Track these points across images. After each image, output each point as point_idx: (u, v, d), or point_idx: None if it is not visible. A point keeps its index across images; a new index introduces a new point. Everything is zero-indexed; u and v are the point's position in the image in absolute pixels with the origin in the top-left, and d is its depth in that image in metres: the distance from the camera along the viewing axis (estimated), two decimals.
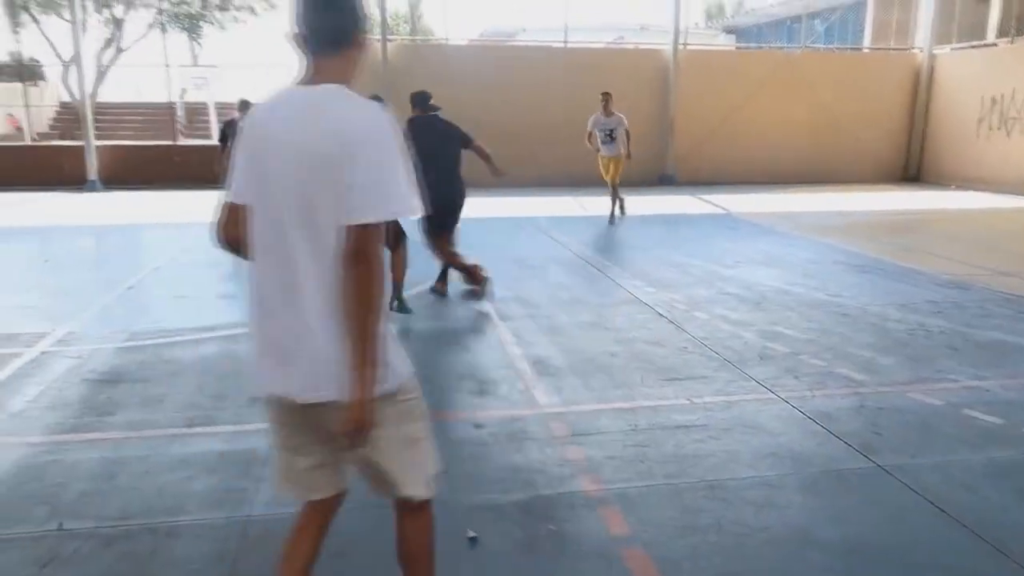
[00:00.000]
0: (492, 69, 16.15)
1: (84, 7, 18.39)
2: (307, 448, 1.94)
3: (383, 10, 17.28)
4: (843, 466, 3.37)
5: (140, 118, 23.59)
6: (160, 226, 10.74)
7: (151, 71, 24.67)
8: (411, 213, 1.74)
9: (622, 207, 11.23)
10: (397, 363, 1.87)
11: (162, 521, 2.92)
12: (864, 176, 17.53)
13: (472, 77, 15.89)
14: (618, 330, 5.48)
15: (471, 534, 2.79)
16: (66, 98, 27.51)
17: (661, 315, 5.87)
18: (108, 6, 28.03)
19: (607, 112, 10.53)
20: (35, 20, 27.61)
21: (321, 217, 1.72)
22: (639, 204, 13.26)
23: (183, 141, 18.11)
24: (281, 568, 2.02)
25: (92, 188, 15.01)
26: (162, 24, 19.56)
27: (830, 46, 21.98)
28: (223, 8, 29.11)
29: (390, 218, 1.71)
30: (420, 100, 6.23)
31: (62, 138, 21.90)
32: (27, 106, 18.58)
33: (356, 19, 1.81)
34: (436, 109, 6.23)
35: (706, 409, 4.02)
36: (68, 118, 24.81)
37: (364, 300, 1.71)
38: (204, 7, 28.87)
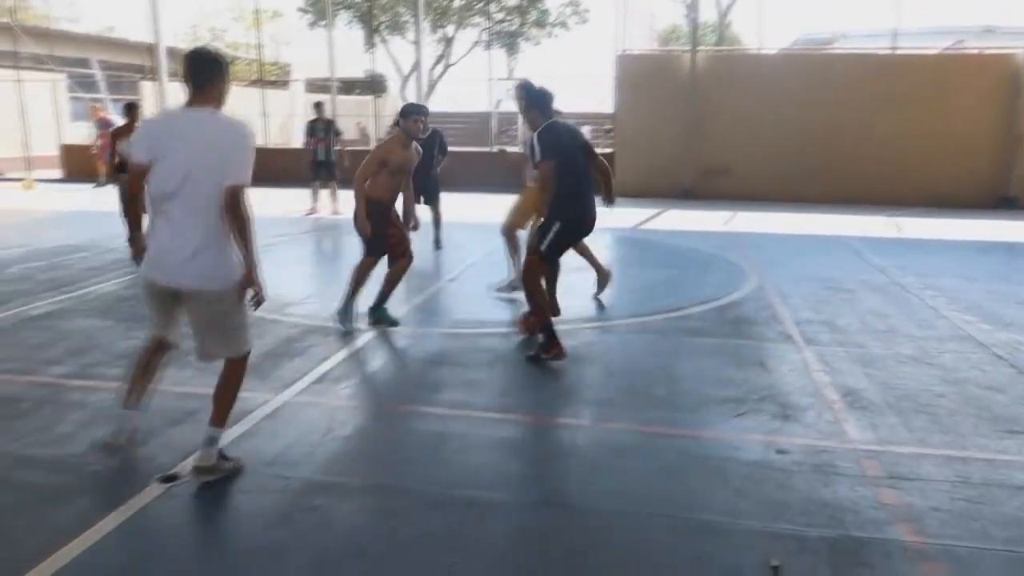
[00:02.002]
0: (806, 79, 15.30)
1: (423, 29, 20.73)
2: (174, 315, 3.29)
3: (693, 22, 17.22)
4: None
5: (460, 126, 26.01)
6: (474, 226, 11.73)
7: (470, 84, 26.96)
8: (247, 183, 3.09)
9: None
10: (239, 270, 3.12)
11: (480, 495, 3.21)
12: None
13: (783, 88, 15.22)
14: (945, 368, 4.92)
15: (774, 562, 2.70)
16: None
17: (1000, 357, 5.16)
18: (443, 27, 31.33)
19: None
20: (384, 41, 31.74)
21: (217, 178, 3.03)
22: (973, 229, 11.74)
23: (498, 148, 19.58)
24: (145, 372, 3.39)
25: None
26: (487, 42, 21.33)
27: None
28: (540, 25, 31.08)
29: (242, 183, 3.06)
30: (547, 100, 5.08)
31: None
32: (374, 116, 21.36)
33: (213, 73, 3.14)
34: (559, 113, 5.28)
35: None
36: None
37: (245, 225, 3.06)
38: (523, 24, 31.04)
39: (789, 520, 3.03)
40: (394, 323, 5.74)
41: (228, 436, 3.71)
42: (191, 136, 3.08)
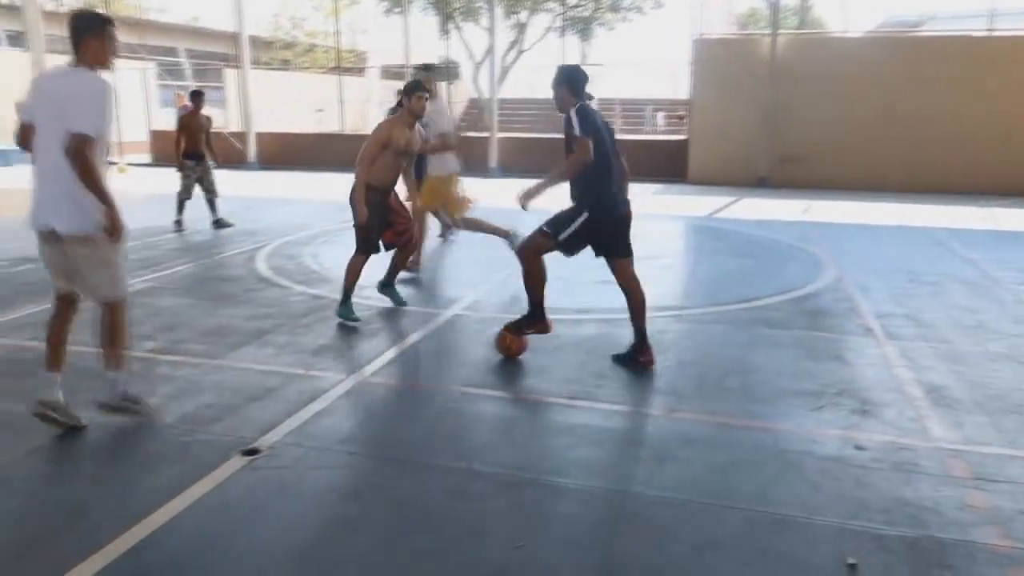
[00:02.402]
0: (892, 63, 14.69)
1: (496, 15, 20.73)
2: (68, 262, 3.46)
3: (774, 4, 16.70)
4: None
5: (533, 112, 25.99)
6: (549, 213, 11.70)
7: (543, 71, 26.87)
8: (90, 134, 3.24)
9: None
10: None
11: (548, 479, 3.24)
12: None
13: (867, 72, 14.66)
14: None
15: (851, 560, 2.64)
16: (473, 95, 31.34)
17: None
18: (516, 13, 31.27)
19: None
20: (458, 28, 31.89)
21: (65, 128, 3.22)
22: None
23: None
24: (55, 339, 3.57)
25: (493, 175, 16.94)
26: (561, 28, 21.21)
27: None
28: (614, 9, 30.67)
29: (82, 131, 3.21)
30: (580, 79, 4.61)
31: (468, 130, 24.99)
32: (448, 102, 21.52)
33: (85, 32, 3.38)
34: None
35: None
36: (474, 112, 28.23)
37: (84, 172, 3.24)
38: (597, 9, 30.70)
39: (867, 518, 2.95)
40: (401, 303, 5.85)
41: (306, 413, 3.84)
42: (47, 91, 3.38)
